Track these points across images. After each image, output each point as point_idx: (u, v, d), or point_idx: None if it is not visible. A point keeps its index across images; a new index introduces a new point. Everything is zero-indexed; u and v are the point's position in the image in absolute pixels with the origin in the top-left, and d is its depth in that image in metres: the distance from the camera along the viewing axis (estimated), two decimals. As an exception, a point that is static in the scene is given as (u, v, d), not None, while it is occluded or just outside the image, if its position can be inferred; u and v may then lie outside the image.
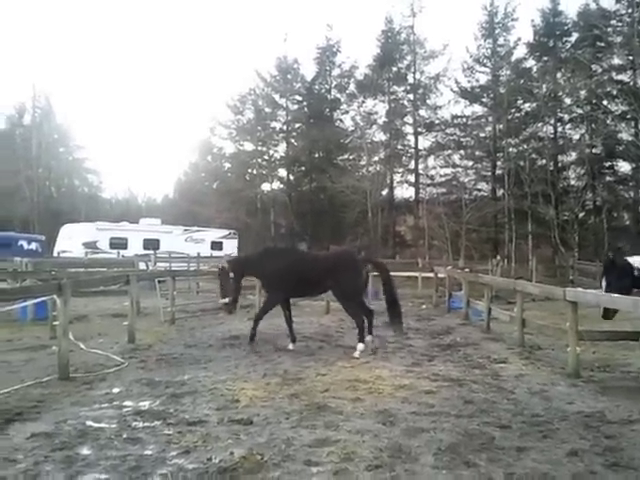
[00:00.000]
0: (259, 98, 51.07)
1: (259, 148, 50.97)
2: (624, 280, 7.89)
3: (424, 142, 47.09)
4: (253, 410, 6.38)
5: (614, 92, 37.03)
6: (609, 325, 9.43)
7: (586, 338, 8.62)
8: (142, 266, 24.91)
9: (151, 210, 58.10)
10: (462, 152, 44.64)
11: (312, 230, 46.71)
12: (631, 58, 34.37)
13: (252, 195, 48.96)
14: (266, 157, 51.44)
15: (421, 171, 46.72)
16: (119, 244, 31.31)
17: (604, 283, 8.45)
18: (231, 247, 37.65)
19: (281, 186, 51.77)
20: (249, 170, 51.93)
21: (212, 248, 36.04)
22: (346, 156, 50.12)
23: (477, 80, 44.21)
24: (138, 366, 8.88)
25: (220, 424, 5.90)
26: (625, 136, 37.03)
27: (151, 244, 32.29)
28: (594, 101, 37.22)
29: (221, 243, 37.54)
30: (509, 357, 9.47)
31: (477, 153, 44.10)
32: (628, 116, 36.60)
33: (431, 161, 47.07)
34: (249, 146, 51.65)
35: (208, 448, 5.20)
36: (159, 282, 16.68)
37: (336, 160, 48.88)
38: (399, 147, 47.56)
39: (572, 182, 40.45)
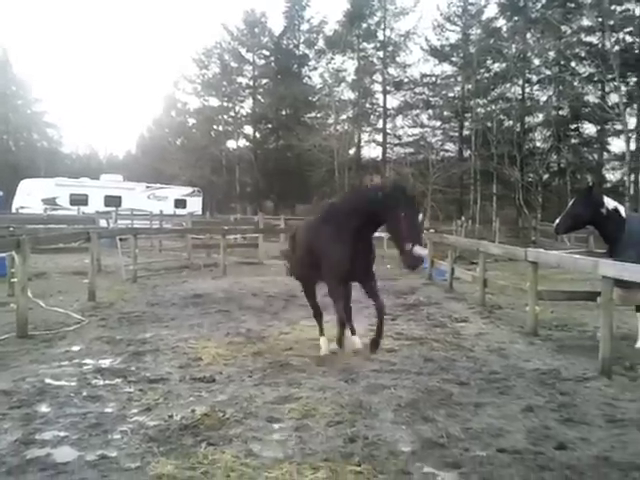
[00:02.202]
0: (225, 52, 49.98)
1: (225, 104, 50.11)
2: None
3: (392, 101, 46.91)
4: (215, 368, 6.37)
5: (582, 54, 37.19)
6: (568, 285, 9.63)
7: (546, 298, 8.77)
8: (103, 223, 24.48)
9: (113, 166, 56.90)
10: (430, 112, 44.64)
11: (278, 188, 46.43)
12: (600, 20, 34.36)
13: (217, 152, 48.32)
14: (232, 113, 50.66)
15: (389, 131, 46.64)
16: (79, 201, 30.70)
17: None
18: (195, 205, 37.24)
19: (247, 144, 51.22)
20: (214, 126, 51.12)
21: (176, 206, 35.63)
22: (314, 114, 49.62)
23: (447, 39, 44.00)
24: (99, 324, 8.78)
25: (182, 382, 5.88)
26: (591, 98, 37.41)
27: (113, 201, 31.74)
28: (562, 62, 37.38)
29: (185, 201, 37.10)
30: (470, 316, 9.63)
31: (445, 113, 44.12)
32: (595, 78, 36.91)
33: (399, 121, 47.01)
34: (214, 102, 50.78)
35: (169, 405, 5.18)
36: (121, 240, 16.40)
37: (303, 118, 48.37)
38: (367, 106, 47.25)
39: (538, 144, 40.86)
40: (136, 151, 67.58)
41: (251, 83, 50.56)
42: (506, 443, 4.37)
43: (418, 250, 5.82)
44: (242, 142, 51.61)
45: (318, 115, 49.55)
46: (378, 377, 6.06)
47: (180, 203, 36.44)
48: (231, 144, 51.19)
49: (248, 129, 51.50)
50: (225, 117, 50.36)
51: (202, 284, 13.07)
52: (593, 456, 4.17)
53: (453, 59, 44.08)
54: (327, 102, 46.20)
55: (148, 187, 36.34)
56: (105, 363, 6.59)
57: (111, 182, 34.82)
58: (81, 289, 11.37)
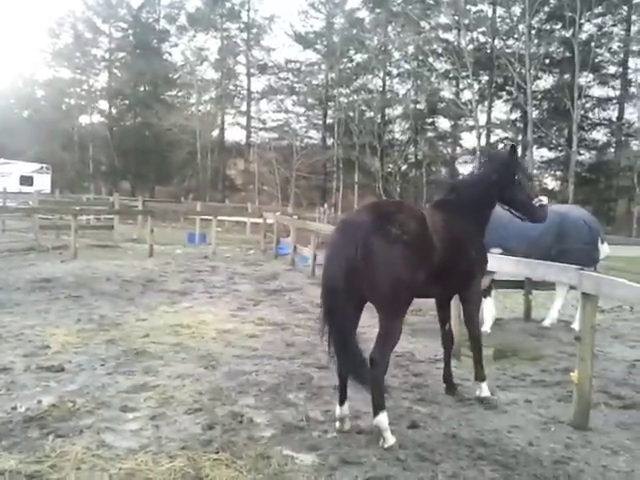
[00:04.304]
0: (79, 22, 46.90)
1: (77, 76, 47.04)
2: None
3: (257, 84, 46.68)
4: (65, 357, 5.95)
5: (439, 50, 39.23)
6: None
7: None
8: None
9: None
10: (295, 98, 45.00)
11: (136, 169, 44.45)
12: (457, 18, 36.45)
13: (69, 127, 45.25)
14: (85, 87, 47.67)
15: (253, 114, 46.38)
16: None
17: None
18: (43, 183, 34.71)
19: (102, 120, 48.46)
20: (66, 100, 47.84)
21: (21, 183, 33.02)
22: (174, 92, 48.13)
23: (311, 26, 44.51)
24: None
25: (27, 371, 5.45)
26: (447, 94, 39.65)
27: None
28: (421, 58, 39.22)
29: (32, 178, 34.46)
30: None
31: (309, 100, 44.68)
32: (450, 75, 39.17)
33: (263, 105, 46.91)
34: (66, 73, 47.47)
35: (13, 396, 4.79)
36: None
37: (163, 96, 46.73)
38: (231, 87, 46.63)
39: (397, 136, 42.68)
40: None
41: (107, 56, 47.88)
42: (363, 424, 4.48)
43: (542, 200, 5.37)
44: (96, 118, 48.89)
45: (179, 94, 48.13)
46: (239, 363, 5.99)
47: (26, 180, 33.78)
48: (84, 119, 48.26)
49: (103, 104, 48.81)
50: (78, 90, 47.28)
51: (50, 267, 12.17)
52: (442, 433, 4.40)
53: (317, 47, 44.66)
54: (188, 81, 44.98)
55: (-12, 162, 33.35)
56: None
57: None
58: None
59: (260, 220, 20.17)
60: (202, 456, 3.86)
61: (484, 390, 5.20)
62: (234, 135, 49.59)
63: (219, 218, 20.58)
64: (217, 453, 3.91)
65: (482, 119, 38.30)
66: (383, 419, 4.19)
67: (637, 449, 4.26)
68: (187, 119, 41.85)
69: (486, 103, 39.34)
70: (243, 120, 46.97)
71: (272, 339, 7.08)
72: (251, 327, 7.64)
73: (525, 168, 5.37)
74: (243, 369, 5.77)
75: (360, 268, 4.15)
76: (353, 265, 4.16)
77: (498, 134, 40.44)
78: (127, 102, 48.05)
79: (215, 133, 45.88)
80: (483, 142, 37.47)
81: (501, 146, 37.95)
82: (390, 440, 4.14)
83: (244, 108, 46.81)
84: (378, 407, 4.22)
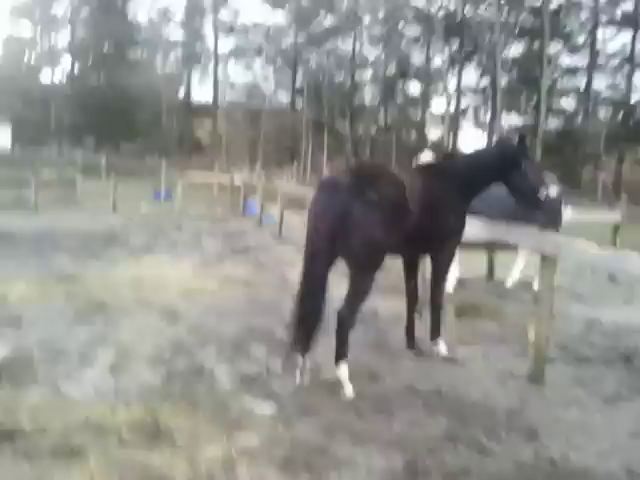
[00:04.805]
0: (38, -24, 44.91)
1: (38, 33, 45.30)
2: None
3: (225, 46, 45.61)
4: (23, 309, 5.83)
5: (410, 16, 38.86)
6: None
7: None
8: None
9: None
10: (264, 59, 44.15)
11: (99, 126, 43.21)
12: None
13: (30, 84, 43.72)
14: (47, 44, 45.95)
15: (221, 75, 45.46)
16: None
17: None
18: (2, 138, 33.64)
19: (64, 77, 46.94)
20: (26, 57, 46.12)
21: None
22: (139, 52, 46.76)
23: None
24: None
25: (-17, 323, 5.32)
26: (417, 59, 39.44)
27: None
28: (391, 23, 38.81)
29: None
30: (298, 261, 9.71)
31: (278, 62, 43.94)
32: (420, 41, 38.87)
33: (231, 66, 45.94)
34: (26, 29, 45.66)
35: (-32, 348, 4.67)
36: None
37: (128, 55, 45.40)
38: (197, 48, 45.54)
39: (367, 99, 42.38)
40: None
41: (69, 13, 46.06)
42: (323, 376, 4.51)
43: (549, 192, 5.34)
44: (59, 75, 47.30)
45: (144, 54, 46.77)
46: (201, 318, 5.95)
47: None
48: (46, 76, 46.68)
49: (66, 62, 47.19)
50: (39, 47, 45.60)
51: (11, 222, 11.85)
52: (401, 386, 4.47)
53: (287, 8, 43.66)
54: (154, 41, 43.73)
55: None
56: None
57: None
58: None
59: (227, 179, 19.93)
60: (160, 406, 3.84)
61: (441, 347, 5.29)
62: (201, 95, 48.52)
63: (186, 175, 20.31)
64: (175, 403, 3.90)
65: (452, 84, 38.33)
66: (344, 371, 4.31)
67: (589, 402, 4.38)
68: (152, 78, 40.80)
69: (456, 69, 39.24)
70: (210, 80, 46.05)
71: (236, 295, 7.05)
72: (215, 283, 7.58)
73: (533, 159, 5.40)
74: (205, 323, 5.74)
75: (338, 227, 4.26)
76: (332, 226, 4.28)
77: (468, 99, 40.51)
78: (91, 60, 46.53)
79: (181, 94, 44.94)
80: (452, 108, 37.47)
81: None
82: (349, 391, 4.20)
83: (211, 68, 45.83)
84: (339, 359, 4.33)
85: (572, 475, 3.29)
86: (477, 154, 5.55)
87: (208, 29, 45.56)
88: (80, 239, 10.19)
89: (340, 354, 4.34)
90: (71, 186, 18.72)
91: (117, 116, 42.23)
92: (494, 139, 34.13)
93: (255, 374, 4.52)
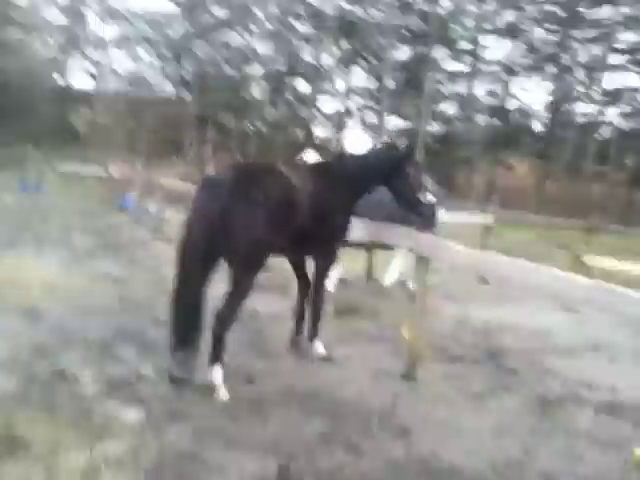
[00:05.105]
0: None
1: None
2: None
3: (110, 32, 43.58)
4: None
5: (302, 12, 39.01)
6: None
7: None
8: None
9: None
10: (150, 48, 42.65)
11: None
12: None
13: None
14: None
15: (103, 61, 43.41)
16: None
17: None
18: None
19: None
20: None
21: None
22: (15, 33, 43.55)
23: (170, -25, 42.07)
24: None
25: None
26: (307, 57, 39.65)
27: None
28: (283, 18, 38.79)
29: None
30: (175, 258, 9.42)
31: (165, 52, 42.63)
32: (311, 38, 39.16)
33: (115, 53, 44.00)
34: None
35: None
36: None
37: (3, 36, 42.13)
38: (80, 33, 43.21)
39: (256, 95, 42.04)
40: None
41: None
42: (197, 380, 4.34)
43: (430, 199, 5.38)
44: None
45: (21, 35, 43.61)
46: (67, 318, 5.55)
47: None
48: None
49: None
50: None
51: None
52: (277, 387, 4.41)
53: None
54: (33, 22, 40.95)
55: None
56: None
57: None
58: None
59: (104, 172, 18.97)
60: (17, 414, 3.53)
61: (319, 348, 5.28)
62: (81, 82, 46.01)
63: (57, 166, 19.13)
64: (34, 411, 3.60)
65: (341, 84, 38.97)
66: (217, 374, 4.18)
67: (457, 398, 4.54)
68: (27, 61, 38.15)
69: (345, 69, 39.86)
70: (92, 67, 43.77)
71: (107, 294, 6.65)
72: (84, 281, 7.13)
73: (420, 168, 5.52)
74: (70, 325, 5.36)
75: (219, 227, 4.11)
76: (213, 225, 4.12)
77: (355, 100, 41.26)
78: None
79: (60, 80, 42.38)
80: (340, 107, 38.11)
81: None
82: (223, 394, 4.07)
83: (93, 54, 43.57)
84: (214, 362, 4.20)
85: (441, 473, 3.36)
86: (365, 156, 5.57)
87: (92, 13, 43.33)
88: None
89: (215, 356, 4.19)
90: None
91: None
92: (380, 141, 35.19)
93: (123, 378, 4.27)
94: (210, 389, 4.09)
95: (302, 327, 5.43)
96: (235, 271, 4.33)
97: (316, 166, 5.45)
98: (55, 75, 41.72)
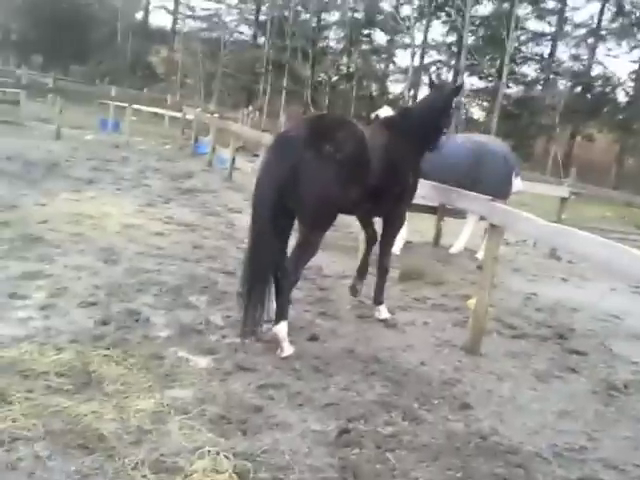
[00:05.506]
0: None
1: None
2: None
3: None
4: (-51, 238, 5.52)
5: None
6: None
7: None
8: None
9: None
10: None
11: (50, 42, 40.79)
12: None
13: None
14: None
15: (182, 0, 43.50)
16: None
17: None
18: None
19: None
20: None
21: None
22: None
23: None
24: None
25: None
26: (386, 7, 38.45)
27: None
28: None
29: None
30: (245, 208, 9.55)
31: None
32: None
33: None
34: None
35: None
36: None
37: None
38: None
39: (331, 44, 41.32)
40: None
41: None
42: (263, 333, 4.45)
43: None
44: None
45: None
46: (141, 260, 5.76)
47: None
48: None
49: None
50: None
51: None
52: (340, 348, 4.45)
53: None
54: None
55: None
56: None
57: None
58: None
59: (179, 114, 19.28)
60: (92, 351, 3.72)
61: (383, 312, 5.30)
62: (159, 20, 46.48)
63: (135, 106, 19.50)
64: (108, 349, 3.78)
65: (418, 38, 37.71)
66: (283, 328, 4.22)
67: (521, 377, 4.48)
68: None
69: (424, 22, 38.50)
70: (170, 4, 44.00)
71: (179, 239, 6.86)
72: (158, 225, 7.36)
73: (461, 105, 5.54)
74: (145, 267, 5.56)
75: (290, 183, 4.10)
76: (285, 181, 4.11)
77: (432, 56, 40.06)
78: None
79: (139, 15, 42.84)
80: (417, 62, 37.06)
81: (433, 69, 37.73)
82: (287, 350, 4.16)
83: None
84: (280, 316, 4.24)
85: (500, 450, 3.36)
86: (425, 101, 5.51)
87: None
88: (20, 165, 9.69)
89: (281, 312, 4.25)
90: (14, 106, 17.68)
91: (69, 33, 39.87)
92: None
93: (193, 324, 4.41)
94: (275, 343, 4.18)
95: (363, 278, 5.47)
96: (304, 227, 4.35)
97: (384, 121, 5.35)
98: (135, 10, 42.08)
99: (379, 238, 5.41)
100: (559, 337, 5.49)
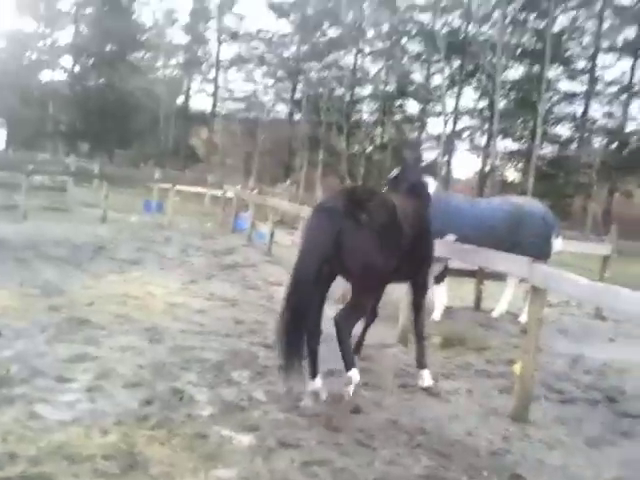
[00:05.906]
0: (44, -28, 44.92)
1: (41, 29, 45.15)
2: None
3: (227, 52, 45.75)
4: (4, 321, 5.70)
5: (413, 32, 38.99)
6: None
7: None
8: None
9: None
10: (264, 69, 44.21)
11: (96, 130, 43.00)
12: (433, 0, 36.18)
13: (29, 82, 43.51)
14: (49, 41, 45.82)
15: (221, 83, 45.52)
16: None
17: None
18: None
19: (64, 77, 46.76)
20: (27, 53, 45.94)
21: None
22: (141, 54, 46.72)
23: (287, -5, 43.49)
24: None
25: (-39, 336, 5.21)
26: (417, 77, 39.51)
27: None
28: (394, 38, 38.90)
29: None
30: (285, 280, 9.67)
31: (279, 73, 44.00)
32: (422, 57, 38.95)
33: (232, 74, 46.03)
34: (29, 25, 45.53)
35: (-56, 360, 4.56)
36: None
37: (129, 57, 45.31)
38: (199, 53, 45.61)
39: (365, 116, 42.39)
40: None
41: (73, 10, 46.01)
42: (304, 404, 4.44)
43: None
44: (59, 75, 47.12)
45: (146, 56, 46.75)
46: (185, 338, 5.86)
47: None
48: (46, 75, 46.51)
49: (67, 61, 47.07)
50: (41, 44, 45.45)
51: (-3, 225, 11.70)
52: (383, 419, 4.38)
53: (291, 17, 43.79)
54: (157, 43, 43.71)
55: None
56: None
57: None
58: None
59: (220, 193, 19.83)
60: (137, 432, 3.75)
61: (426, 378, 5.23)
62: (199, 103, 48.52)
63: (178, 187, 20.17)
64: (152, 430, 3.81)
65: (450, 105, 38.40)
66: (354, 374, 4.48)
67: (572, 444, 4.33)
68: (152, 83, 40.78)
69: (455, 89, 39.28)
70: (210, 88, 46.12)
71: (221, 315, 6.97)
72: (201, 302, 7.50)
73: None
74: (188, 344, 5.65)
75: (335, 250, 4.32)
76: (329, 249, 4.31)
77: (465, 121, 40.62)
78: (92, 60, 46.38)
79: (180, 100, 44.94)
80: (449, 129, 37.58)
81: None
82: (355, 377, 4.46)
83: (212, 76, 45.90)
84: (349, 364, 4.48)
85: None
86: (413, 167, 5.96)
87: (212, 34, 45.68)
88: (67, 249, 10.08)
89: (349, 360, 4.48)
90: (62, 192, 18.54)
91: (114, 120, 42.00)
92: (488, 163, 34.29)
93: (236, 401, 4.43)
94: (319, 417, 4.16)
95: (361, 346, 5.73)
96: (354, 290, 4.61)
97: (407, 187, 5.53)
98: (177, 95, 44.04)
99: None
100: (609, 400, 5.30)
